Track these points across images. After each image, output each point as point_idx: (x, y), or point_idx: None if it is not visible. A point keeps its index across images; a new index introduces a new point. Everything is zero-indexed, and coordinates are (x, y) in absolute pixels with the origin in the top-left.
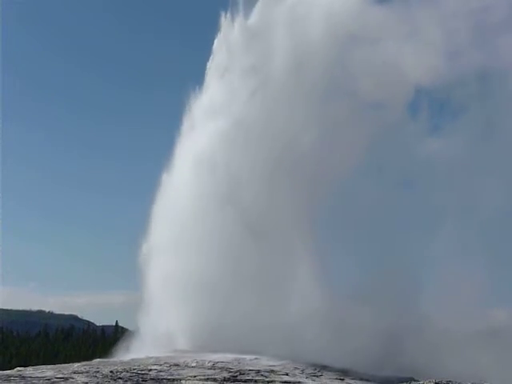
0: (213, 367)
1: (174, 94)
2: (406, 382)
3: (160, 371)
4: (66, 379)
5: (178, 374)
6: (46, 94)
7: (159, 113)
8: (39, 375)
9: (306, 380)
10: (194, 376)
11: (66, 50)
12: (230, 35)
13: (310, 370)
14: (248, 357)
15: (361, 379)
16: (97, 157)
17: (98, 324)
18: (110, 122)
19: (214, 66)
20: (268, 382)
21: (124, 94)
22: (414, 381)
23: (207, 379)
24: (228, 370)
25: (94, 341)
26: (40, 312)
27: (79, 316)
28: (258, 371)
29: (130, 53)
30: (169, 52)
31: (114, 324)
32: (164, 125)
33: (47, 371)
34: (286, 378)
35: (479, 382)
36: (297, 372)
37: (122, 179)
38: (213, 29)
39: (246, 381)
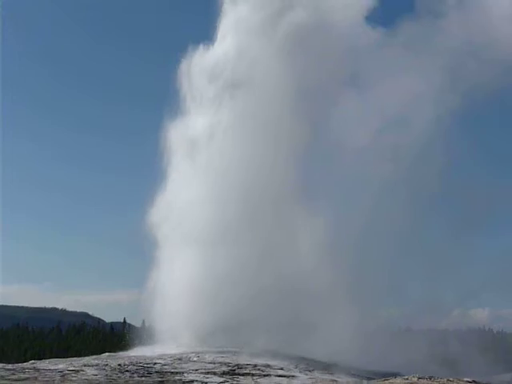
0: (213, 361)
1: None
2: (392, 376)
3: (164, 365)
4: (77, 371)
5: (181, 368)
6: (47, 111)
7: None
8: (52, 367)
9: (299, 374)
10: (196, 369)
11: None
12: None
13: (302, 366)
14: (245, 353)
15: (348, 374)
16: (103, 171)
17: (107, 321)
18: (105, 137)
19: None
20: (264, 375)
21: (120, 112)
22: (399, 376)
23: (208, 372)
24: (227, 364)
25: (104, 336)
26: (54, 309)
27: (90, 313)
28: (255, 365)
29: (120, 74)
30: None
31: (122, 321)
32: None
33: (60, 364)
34: (280, 372)
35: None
36: (291, 367)
37: (127, 193)
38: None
39: (243, 374)
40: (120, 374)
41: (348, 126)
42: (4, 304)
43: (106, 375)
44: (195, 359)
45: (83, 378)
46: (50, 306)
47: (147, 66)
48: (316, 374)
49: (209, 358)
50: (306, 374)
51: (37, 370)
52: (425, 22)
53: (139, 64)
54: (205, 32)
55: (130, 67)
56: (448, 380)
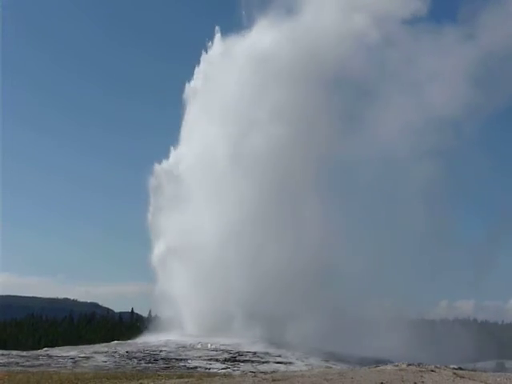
0: (215, 349)
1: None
2: (383, 363)
3: (169, 352)
4: (87, 358)
5: (185, 355)
6: (54, 102)
7: (158, 123)
8: (64, 354)
9: (296, 361)
10: (199, 356)
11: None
12: None
13: (299, 353)
14: (246, 341)
15: (342, 361)
16: (118, 164)
17: (116, 311)
18: (111, 128)
19: None
20: (263, 362)
21: (125, 104)
22: (390, 362)
23: (210, 359)
24: (228, 351)
25: (113, 325)
26: (66, 300)
27: (100, 303)
28: (255, 353)
29: (125, 64)
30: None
31: (130, 311)
32: (162, 133)
33: (71, 351)
34: (279, 359)
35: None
36: (288, 354)
37: (134, 185)
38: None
39: (244, 361)
40: (128, 361)
41: (382, 127)
42: (19, 295)
43: (115, 361)
44: (199, 347)
45: (93, 364)
46: (63, 297)
47: (152, 60)
48: (312, 361)
49: (211, 345)
50: (303, 361)
51: (50, 356)
52: (462, 30)
53: (143, 57)
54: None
55: (134, 60)
56: (435, 367)
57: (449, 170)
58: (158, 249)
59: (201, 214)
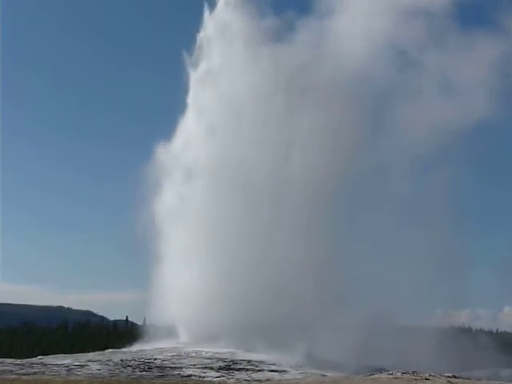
0: (210, 357)
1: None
2: (378, 371)
3: (164, 360)
4: (82, 366)
5: (180, 363)
6: (46, 116)
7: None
8: (58, 362)
9: (290, 369)
10: (194, 365)
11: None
12: None
13: (294, 362)
14: (240, 350)
15: (337, 369)
16: (104, 175)
17: (110, 319)
18: (101, 140)
19: None
20: (258, 370)
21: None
22: (385, 371)
23: (205, 367)
24: (223, 360)
25: (107, 333)
26: (60, 307)
27: (94, 311)
28: (250, 361)
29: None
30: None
31: (124, 319)
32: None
33: (65, 359)
34: (273, 368)
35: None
36: (283, 363)
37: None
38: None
39: (238, 369)
40: (122, 369)
41: (410, 131)
42: (13, 302)
43: (109, 370)
44: (193, 355)
45: (88, 372)
46: (57, 305)
47: (146, 75)
48: (307, 369)
49: (206, 354)
50: (297, 370)
51: (44, 364)
52: (494, 32)
53: (138, 73)
54: None
55: (128, 75)
56: (430, 375)
57: (475, 177)
58: (161, 268)
59: (207, 223)
